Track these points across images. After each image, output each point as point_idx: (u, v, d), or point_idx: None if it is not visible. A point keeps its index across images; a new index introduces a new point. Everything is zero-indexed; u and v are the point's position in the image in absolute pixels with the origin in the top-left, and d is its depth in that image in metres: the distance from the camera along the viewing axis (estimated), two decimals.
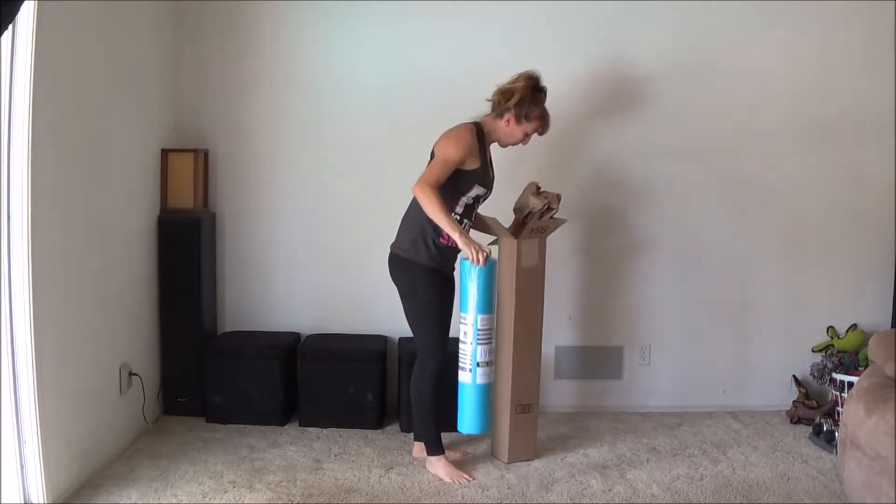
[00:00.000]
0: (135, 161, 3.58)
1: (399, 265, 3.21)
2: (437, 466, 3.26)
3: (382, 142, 3.93)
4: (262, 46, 3.89)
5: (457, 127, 3.15)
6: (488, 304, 3.08)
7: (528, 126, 3.16)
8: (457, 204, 3.14)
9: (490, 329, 3.10)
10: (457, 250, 3.16)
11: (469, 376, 3.09)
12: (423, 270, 3.16)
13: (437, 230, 3.11)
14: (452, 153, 3.06)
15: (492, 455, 3.48)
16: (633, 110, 3.95)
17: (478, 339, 3.05)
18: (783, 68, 3.95)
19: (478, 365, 3.07)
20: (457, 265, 3.22)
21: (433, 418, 3.22)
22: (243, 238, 3.99)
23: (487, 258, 2.98)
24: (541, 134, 3.23)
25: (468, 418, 3.13)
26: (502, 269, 3.34)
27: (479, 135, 3.16)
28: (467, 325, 3.06)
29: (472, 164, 3.11)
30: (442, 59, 3.90)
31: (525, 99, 3.11)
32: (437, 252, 3.14)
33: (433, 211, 2.98)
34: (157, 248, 3.76)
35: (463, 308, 3.09)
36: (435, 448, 3.27)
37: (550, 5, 3.86)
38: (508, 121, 3.16)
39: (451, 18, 3.87)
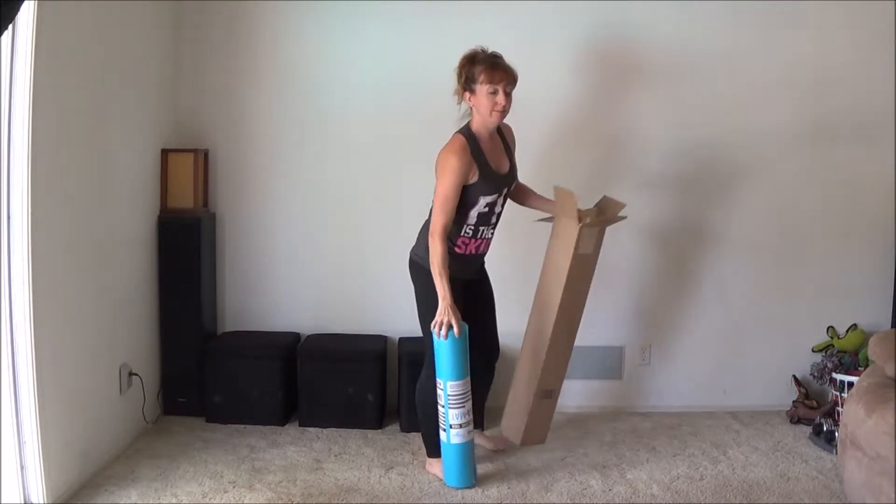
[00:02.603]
0: (135, 161, 3.58)
1: (415, 270, 3.21)
2: (436, 467, 3.26)
3: (383, 142, 3.93)
4: (262, 46, 3.90)
5: (446, 151, 3.06)
6: (459, 370, 3.02)
7: (481, 89, 3.04)
8: (467, 217, 3.12)
9: (464, 393, 3.05)
10: (474, 257, 3.17)
11: (446, 437, 3.10)
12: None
13: (453, 239, 3.12)
14: (445, 188, 3.02)
15: (502, 434, 3.52)
16: (632, 110, 3.95)
17: (449, 404, 3.04)
18: (783, 68, 3.95)
19: (451, 427, 3.06)
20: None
21: (435, 421, 3.19)
22: (243, 238, 3.99)
23: (448, 332, 2.96)
24: (502, 84, 3.02)
25: (451, 474, 3.14)
26: (555, 250, 3.26)
27: (472, 142, 3.09)
28: (442, 388, 3.05)
29: (472, 178, 3.06)
30: (443, 59, 3.85)
31: (464, 71, 3.08)
32: (451, 260, 3.08)
33: (433, 265, 3.01)
34: (157, 248, 3.76)
35: (438, 373, 3.07)
36: (434, 450, 3.27)
37: (550, 5, 3.85)
38: (469, 100, 3.10)
39: (451, 18, 3.86)
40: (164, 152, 3.78)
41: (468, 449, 3.12)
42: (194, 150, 3.80)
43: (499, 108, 3.05)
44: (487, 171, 3.10)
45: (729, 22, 3.91)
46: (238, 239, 4.00)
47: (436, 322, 2.99)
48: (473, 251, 3.20)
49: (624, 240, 4.02)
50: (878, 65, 3.94)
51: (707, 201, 4.02)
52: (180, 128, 3.91)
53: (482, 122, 3.12)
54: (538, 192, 3.43)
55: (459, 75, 3.11)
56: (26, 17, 2.61)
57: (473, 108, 3.12)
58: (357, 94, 3.91)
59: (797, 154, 4.00)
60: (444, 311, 2.97)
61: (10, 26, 2.52)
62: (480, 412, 3.49)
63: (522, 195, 3.42)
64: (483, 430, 3.55)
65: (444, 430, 3.09)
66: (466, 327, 3.03)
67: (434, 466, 3.28)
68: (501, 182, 3.16)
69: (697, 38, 3.92)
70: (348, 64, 3.90)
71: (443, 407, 3.06)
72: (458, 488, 3.13)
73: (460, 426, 3.07)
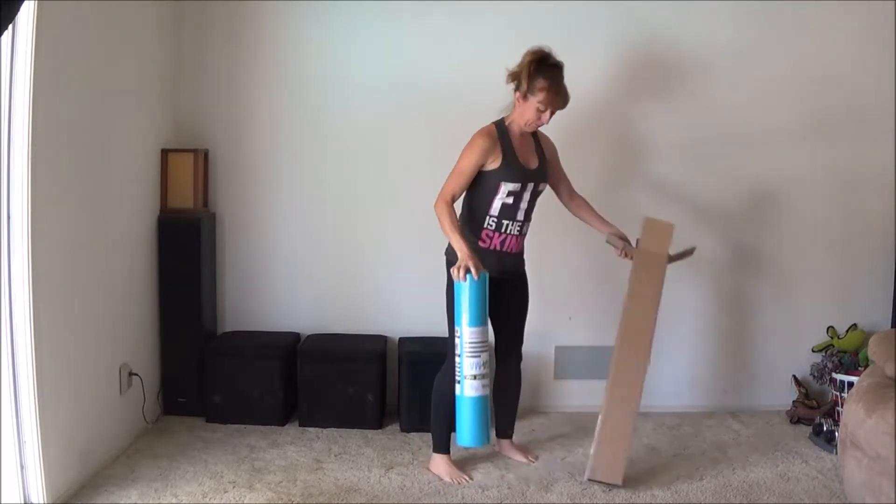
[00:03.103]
0: (135, 161, 3.58)
1: (447, 266, 3.20)
2: (439, 465, 3.27)
3: (383, 142, 3.93)
4: (263, 46, 3.90)
5: (476, 133, 3.11)
6: (477, 316, 2.97)
7: (534, 100, 3.04)
8: (489, 207, 3.12)
9: (481, 342, 2.98)
10: (500, 254, 3.16)
11: (459, 388, 3.01)
12: None
13: (476, 233, 3.13)
14: (465, 162, 3.07)
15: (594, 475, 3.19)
16: (632, 110, 3.95)
17: (465, 352, 2.97)
18: (783, 67, 3.95)
19: (465, 378, 2.97)
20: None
21: (446, 416, 3.21)
22: (243, 238, 4.00)
23: (468, 275, 2.91)
24: (554, 108, 3.06)
25: (464, 432, 3.04)
26: (642, 282, 3.27)
27: (502, 131, 3.12)
28: (460, 336, 2.99)
29: (494, 164, 3.07)
30: (443, 59, 3.90)
31: (528, 73, 3.03)
32: (476, 253, 3.09)
33: (443, 226, 3.02)
34: (157, 248, 3.76)
35: (457, 321, 3.03)
36: (440, 447, 3.28)
37: (550, 5, 3.85)
38: (518, 100, 3.10)
39: (452, 18, 3.87)
40: (164, 152, 3.78)
41: (483, 404, 3.00)
42: (194, 150, 3.80)
43: (541, 123, 3.11)
44: (512, 159, 3.10)
45: (730, 23, 3.91)
46: (238, 239, 4.00)
47: (455, 266, 2.94)
48: (498, 246, 3.16)
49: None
50: (878, 64, 3.95)
51: (707, 201, 4.02)
52: (180, 128, 3.91)
53: (518, 123, 3.13)
54: (594, 208, 3.40)
55: (522, 72, 3.05)
56: (26, 17, 2.61)
57: (516, 106, 3.12)
58: (357, 93, 3.91)
59: (797, 154, 4.01)
60: (463, 258, 2.94)
61: (10, 26, 2.52)
62: (511, 422, 3.49)
63: (577, 206, 3.41)
64: (512, 439, 3.51)
65: (459, 381, 2.98)
66: (486, 274, 2.97)
67: (438, 465, 3.28)
68: (526, 175, 3.12)
69: (698, 38, 3.92)
70: (348, 63, 3.90)
71: (458, 356, 2.98)
72: (468, 447, 3.03)
73: (475, 377, 2.96)
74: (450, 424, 3.23)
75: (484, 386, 3.00)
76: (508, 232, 3.16)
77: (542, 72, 3.03)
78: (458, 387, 3.01)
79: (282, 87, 3.92)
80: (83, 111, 3.07)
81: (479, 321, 2.97)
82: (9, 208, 2.67)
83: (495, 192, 3.10)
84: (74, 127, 3.00)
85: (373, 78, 3.90)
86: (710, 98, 3.96)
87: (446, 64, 3.89)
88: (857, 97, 3.98)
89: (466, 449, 3.06)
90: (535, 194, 3.19)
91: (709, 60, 3.93)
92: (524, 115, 3.10)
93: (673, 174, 4.00)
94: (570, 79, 3.82)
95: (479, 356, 2.97)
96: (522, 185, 3.12)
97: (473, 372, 2.96)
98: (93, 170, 3.17)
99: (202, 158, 3.85)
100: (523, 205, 3.16)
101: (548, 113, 3.08)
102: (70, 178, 2.99)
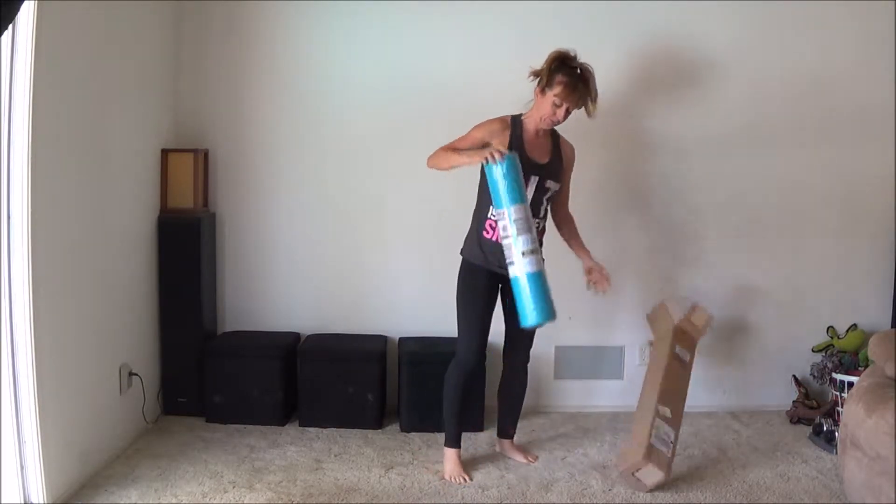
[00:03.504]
0: (135, 161, 3.58)
1: (460, 266, 3.28)
2: (446, 460, 3.29)
3: (382, 142, 3.93)
4: (262, 46, 3.90)
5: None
6: (517, 194, 2.94)
7: (551, 94, 3.07)
8: (495, 215, 3.11)
9: (526, 218, 2.95)
10: (500, 244, 3.14)
11: (514, 270, 2.95)
12: (468, 266, 3.24)
13: (481, 224, 3.18)
14: (470, 132, 3.14)
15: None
16: (631, 110, 3.95)
17: (516, 230, 2.92)
18: (783, 67, 3.95)
19: (522, 254, 2.93)
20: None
21: (455, 410, 3.26)
22: (243, 238, 4.00)
23: (502, 154, 2.91)
24: (569, 104, 3.08)
25: (529, 311, 2.95)
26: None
27: (515, 122, 3.17)
28: (504, 219, 2.95)
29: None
30: (443, 59, 3.90)
31: (549, 68, 3.08)
32: (479, 248, 3.18)
33: (435, 158, 3.09)
34: (157, 248, 3.76)
35: (496, 204, 2.98)
36: (449, 441, 3.31)
37: (551, 5, 3.85)
38: (537, 95, 3.14)
39: (451, 18, 3.87)
40: (164, 152, 3.78)
41: (542, 278, 2.96)
42: (194, 150, 3.80)
43: (556, 119, 3.13)
44: (518, 148, 3.12)
45: (730, 23, 3.91)
46: (238, 239, 4.00)
47: (484, 158, 2.93)
48: (498, 238, 3.15)
49: (624, 240, 4.02)
50: (878, 64, 3.95)
51: (707, 201, 4.02)
52: (180, 128, 3.91)
53: (535, 119, 3.16)
54: (578, 232, 3.41)
55: (544, 68, 3.10)
56: (26, 17, 2.61)
57: (535, 102, 3.15)
58: (357, 94, 3.91)
59: (798, 153, 4.01)
60: (485, 149, 2.95)
61: (10, 26, 2.52)
62: (514, 422, 3.49)
63: (564, 222, 3.40)
64: (513, 439, 3.51)
65: (512, 263, 2.94)
66: (515, 154, 2.97)
67: (445, 459, 3.30)
68: (532, 168, 3.13)
69: (698, 38, 3.92)
70: (349, 64, 3.90)
71: (510, 237, 2.94)
72: (541, 324, 2.97)
73: (526, 254, 2.93)
74: (460, 420, 3.28)
75: (539, 261, 2.98)
76: None
77: (562, 69, 3.08)
78: (512, 269, 2.97)
79: (282, 88, 3.92)
80: (83, 111, 3.07)
81: (519, 198, 2.94)
82: (9, 208, 2.67)
83: None
84: (74, 127, 3.00)
85: (373, 78, 3.90)
86: (710, 98, 3.95)
87: (447, 64, 3.89)
88: (857, 97, 3.97)
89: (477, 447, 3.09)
90: (542, 189, 3.18)
91: (709, 60, 3.93)
92: (540, 109, 3.13)
93: (672, 174, 3.99)
94: None
95: (529, 232, 2.95)
96: (525, 177, 3.11)
97: (524, 248, 2.93)
98: (93, 170, 3.17)
99: (202, 158, 3.85)
100: (535, 201, 3.16)
101: (563, 109, 3.10)
102: (70, 178, 2.99)
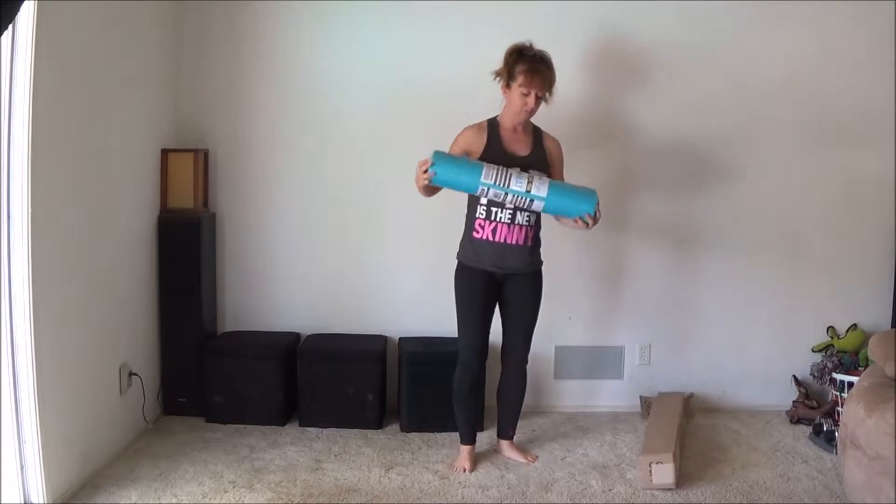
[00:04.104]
0: (135, 161, 3.58)
1: (455, 269, 3.33)
2: (465, 460, 3.35)
3: (382, 142, 3.93)
4: (263, 47, 3.90)
5: None
6: (470, 167, 3.00)
7: (516, 85, 3.11)
8: (481, 195, 3.15)
9: (497, 173, 2.98)
10: (494, 245, 3.19)
11: (538, 201, 3.00)
12: (462, 267, 3.28)
13: (471, 225, 3.23)
14: (452, 147, 3.22)
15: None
16: (631, 110, 3.95)
17: (503, 185, 2.97)
18: (783, 68, 3.95)
19: (527, 191, 2.98)
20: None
21: (460, 407, 3.34)
22: (243, 238, 3.99)
23: (425, 164, 2.99)
24: (533, 88, 3.10)
25: (577, 206, 3.04)
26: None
27: (491, 124, 3.23)
28: (489, 191, 3.00)
29: (478, 151, 3.18)
30: (442, 59, 3.90)
31: (509, 63, 3.14)
32: (471, 249, 3.23)
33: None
34: (157, 248, 3.76)
35: (473, 189, 3.03)
36: (461, 438, 3.37)
37: (550, 5, 3.85)
38: (504, 93, 3.19)
39: (450, 19, 3.87)
40: (164, 152, 3.78)
41: (558, 185, 3.06)
42: (194, 150, 3.80)
43: (527, 108, 3.16)
44: (496, 145, 3.18)
45: (730, 22, 3.91)
46: (238, 239, 4.00)
47: (421, 179, 3.01)
48: (490, 236, 3.18)
49: (624, 240, 4.02)
50: (878, 65, 3.95)
51: (707, 201, 4.02)
52: (180, 128, 3.91)
53: (510, 115, 3.21)
54: None
55: (504, 64, 3.16)
56: (26, 17, 2.61)
57: (505, 101, 3.20)
58: (357, 94, 3.91)
59: (797, 154, 4.01)
60: (418, 171, 3.02)
61: (10, 26, 2.52)
62: (513, 423, 3.49)
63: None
64: (512, 440, 3.51)
65: (532, 201, 3.01)
66: (436, 153, 3.00)
67: (459, 455, 3.34)
68: (510, 160, 3.15)
69: (698, 37, 3.92)
70: (349, 64, 3.90)
71: (506, 193, 2.99)
72: (594, 202, 3.04)
73: (529, 183, 2.98)
74: (471, 418, 3.35)
75: (542, 183, 3.02)
76: (499, 220, 3.18)
77: (520, 59, 3.13)
78: (538, 205, 3.03)
79: (282, 88, 3.92)
80: (83, 111, 3.06)
81: (475, 170, 2.99)
82: (9, 208, 2.67)
83: None
84: (74, 127, 3.00)
85: (372, 78, 3.90)
86: (710, 98, 3.95)
87: (447, 64, 3.89)
88: (857, 97, 3.97)
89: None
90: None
91: (710, 60, 3.93)
92: (511, 104, 3.18)
93: (672, 174, 3.99)
94: (570, 76, 3.86)
95: (514, 177, 2.99)
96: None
97: (523, 188, 2.99)
98: (93, 170, 3.17)
99: (202, 158, 3.85)
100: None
101: (532, 97, 3.13)
102: (70, 177, 2.99)
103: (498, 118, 3.26)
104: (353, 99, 3.92)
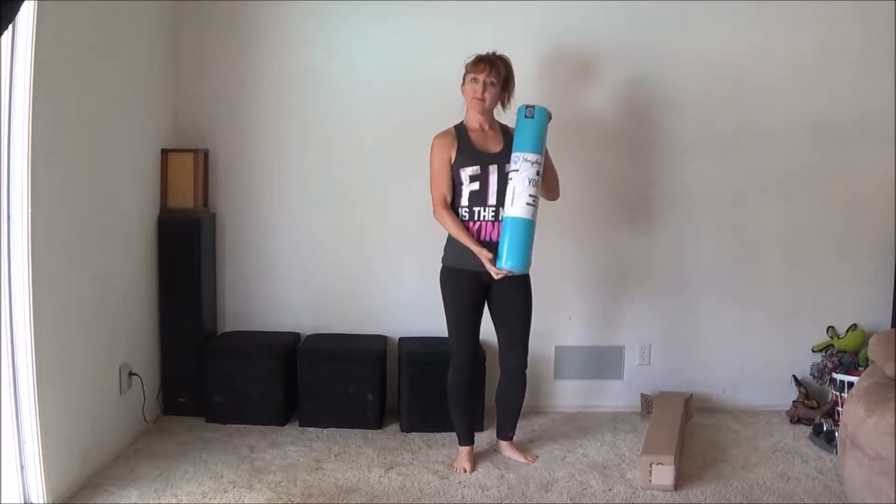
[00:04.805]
0: (135, 161, 3.58)
1: (440, 273, 3.35)
2: (464, 460, 3.34)
3: (382, 141, 3.93)
4: (263, 46, 3.89)
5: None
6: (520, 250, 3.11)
7: (466, 78, 3.26)
8: (460, 198, 3.22)
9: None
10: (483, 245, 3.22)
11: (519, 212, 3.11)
12: (448, 269, 3.30)
13: None
14: (434, 165, 3.26)
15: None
16: (631, 110, 3.95)
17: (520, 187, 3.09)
18: (783, 68, 3.95)
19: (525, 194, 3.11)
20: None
21: (456, 409, 3.35)
22: (243, 238, 3.99)
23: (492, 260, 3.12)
24: (477, 73, 3.21)
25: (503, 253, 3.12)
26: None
27: (458, 129, 3.29)
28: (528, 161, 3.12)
29: (453, 156, 3.23)
30: (442, 58, 3.87)
31: (465, 71, 3.27)
32: (456, 249, 3.24)
33: (451, 231, 3.23)
34: (157, 248, 3.76)
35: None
36: (459, 439, 3.37)
37: (549, 6, 3.85)
38: (462, 92, 3.29)
39: (450, 19, 3.87)
40: (164, 152, 3.78)
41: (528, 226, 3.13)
42: (194, 150, 3.80)
43: (477, 95, 3.21)
44: (466, 146, 3.23)
45: (729, 22, 3.91)
46: (238, 239, 3.99)
47: (485, 264, 3.13)
48: (475, 236, 3.21)
49: (624, 240, 4.02)
50: (878, 64, 3.94)
51: (707, 201, 4.02)
52: (180, 128, 3.91)
53: (470, 112, 3.28)
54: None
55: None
56: (26, 17, 2.61)
57: (465, 100, 3.27)
58: (358, 94, 3.91)
59: (797, 154, 4.01)
60: (479, 252, 3.13)
61: (10, 26, 2.52)
62: (513, 425, 3.49)
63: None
64: (512, 440, 3.50)
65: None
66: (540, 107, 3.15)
67: (462, 458, 3.33)
68: (483, 157, 3.22)
69: (697, 37, 3.92)
70: (349, 64, 3.90)
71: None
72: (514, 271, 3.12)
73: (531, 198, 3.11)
74: (467, 419, 3.35)
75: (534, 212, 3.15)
76: (482, 219, 3.21)
77: (472, 59, 3.26)
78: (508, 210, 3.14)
79: (282, 88, 3.92)
80: (83, 111, 3.06)
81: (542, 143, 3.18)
82: (9, 208, 2.67)
83: (460, 181, 3.22)
84: (74, 127, 3.00)
85: (373, 78, 3.90)
86: (709, 98, 3.95)
87: (447, 65, 3.84)
88: (857, 97, 3.97)
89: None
90: (505, 178, 3.20)
91: (709, 60, 3.93)
92: (465, 95, 3.27)
93: (671, 174, 3.99)
94: (569, 76, 3.86)
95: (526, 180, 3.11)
96: (482, 168, 3.21)
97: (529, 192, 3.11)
98: (93, 170, 3.17)
99: (202, 158, 3.85)
100: (492, 188, 3.21)
101: (480, 85, 3.20)
102: (70, 177, 2.99)
103: (463, 122, 3.31)
104: (354, 99, 3.92)
